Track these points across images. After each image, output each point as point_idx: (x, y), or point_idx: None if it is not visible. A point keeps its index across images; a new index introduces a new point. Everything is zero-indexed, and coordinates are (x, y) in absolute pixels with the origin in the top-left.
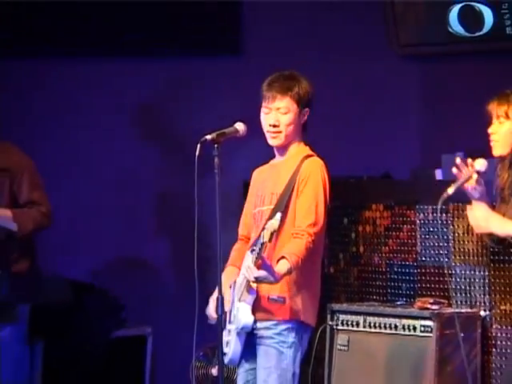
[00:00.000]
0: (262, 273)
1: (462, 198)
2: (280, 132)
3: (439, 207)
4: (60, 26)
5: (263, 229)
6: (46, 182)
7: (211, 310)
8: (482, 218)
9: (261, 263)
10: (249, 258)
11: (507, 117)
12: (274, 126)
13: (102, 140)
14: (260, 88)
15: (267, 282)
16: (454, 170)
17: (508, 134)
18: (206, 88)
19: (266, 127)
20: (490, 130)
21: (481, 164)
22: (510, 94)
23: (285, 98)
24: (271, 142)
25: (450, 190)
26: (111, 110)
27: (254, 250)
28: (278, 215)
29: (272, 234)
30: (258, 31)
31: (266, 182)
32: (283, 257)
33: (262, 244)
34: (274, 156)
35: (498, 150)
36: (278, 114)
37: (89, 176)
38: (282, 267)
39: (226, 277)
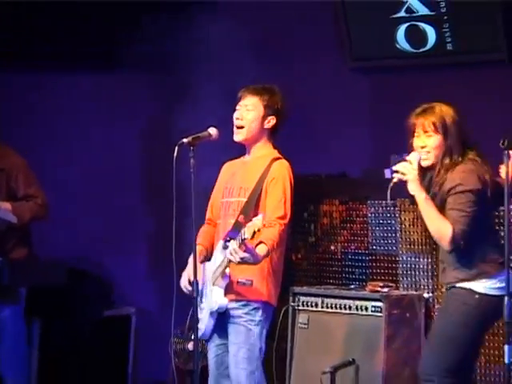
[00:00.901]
0: (246, 254)
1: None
2: (243, 127)
3: (389, 194)
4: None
5: (236, 224)
6: (39, 174)
7: (184, 282)
8: None
9: (246, 248)
10: (234, 243)
11: (436, 129)
12: (238, 118)
13: (89, 133)
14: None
15: (250, 263)
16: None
17: (438, 147)
18: None
19: (234, 123)
20: (419, 144)
21: (414, 156)
22: (435, 106)
23: (254, 98)
24: (235, 137)
25: (395, 179)
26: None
27: (228, 240)
28: (261, 216)
29: (255, 232)
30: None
31: (235, 175)
32: (261, 242)
33: (244, 239)
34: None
35: (428, 161)
36: (244, 110)
37: (79, 168)
38: (261, 250)
39: (199, 253)
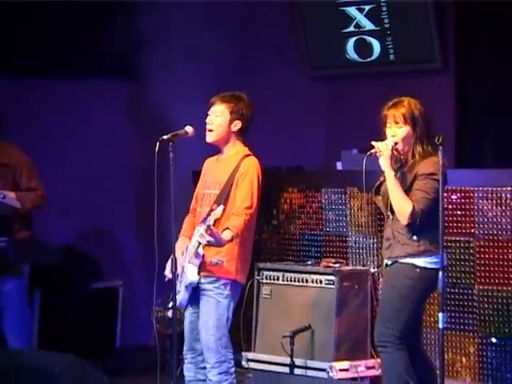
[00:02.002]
0: (211, 238)
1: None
2: (212, 130)
3: (364, 164)
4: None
5: (210, 213)
6: (38, 166)
7: (167, 272)
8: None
9: (211, 232)
10: (201, 228)
11: (405, 121)
12: (208, 123)
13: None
14: None
15: (215, 245)
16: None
17: (407, 136)
18: None
19: (206, 127)
20: (391, 133)
21: (389, 142)
22: (404, 100)
23: (221, 106)
24: (206, 138)
25: (372, 151)
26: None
27: (203, 224)
28: (221, 207)
29: (216, 220)
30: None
31: (211, 170)
32: (227, 228)
33: (208, 225)
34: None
35: (400, 146)
36: (214, 116)
37: (71, 161)
38: (226, 235)
39: (179, 245)
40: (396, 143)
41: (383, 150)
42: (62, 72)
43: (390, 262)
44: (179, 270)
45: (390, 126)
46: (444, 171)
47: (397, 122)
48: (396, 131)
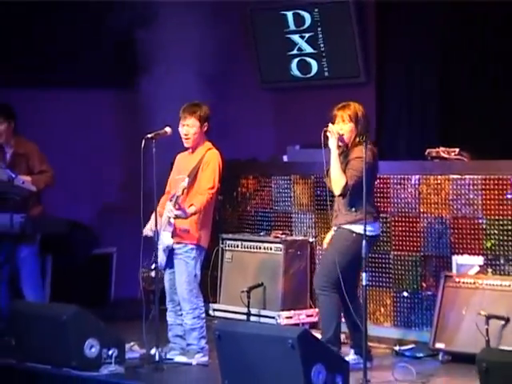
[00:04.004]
0: (178, 212)
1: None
2: (189, 138)
3: (323, 140)
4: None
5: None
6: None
7: (147, 230)
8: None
9: (178, 207)
10: (170, 204)
11: (350, 119)
12: (185, 135)
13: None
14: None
15: (182, 218)
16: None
17: (351, 131)
18: None
19: (182, 135)
20: (337, 128)
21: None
22: (351, 104)
23: (191, 118)
24: (185, 144)
25: (326, 130)
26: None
27: (172, 200)
28: (187, 179)
29: (183, 190)
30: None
31: (183, 162)
32: (192, 204)
33: (178, 196)
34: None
35: (345, 136)
36: (187, 128)
37: (72, 153)
38: (191, 209)
39: (158, 213)
40: (342, 134)
41: (334, 132)
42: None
43: (335, 228)
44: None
45: (338, 123)
46: (372, 160)
47: (343, 120)
48: (342, 127)
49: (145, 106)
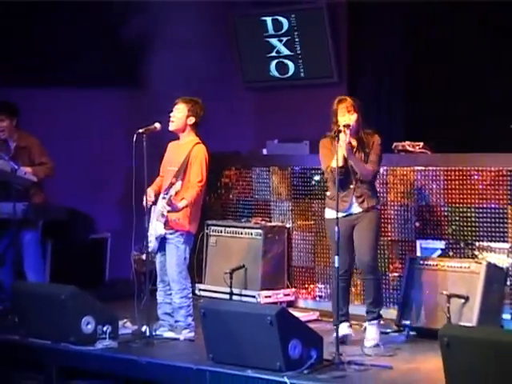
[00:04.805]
0: (170, 208)
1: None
2: (173, 122)
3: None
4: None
5: (171, 186)
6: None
7: (148, 199)
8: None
9: (170, 203)
10: (163, 200)
11: (354, 109)
12: (171, 116)
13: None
14: None
15: (173, 211)
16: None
17: (357, 120)
18: None
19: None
20: (346, 119)
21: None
22: (346, 97)
23: (181, 105)
24: (169, 127)
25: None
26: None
27: (165, 197)
28: (179, 183)
29: (176, 193)
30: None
31: (173, 151)
32: (183, 198)
33: (171, 195)
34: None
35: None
36: (175, 112)
37: (73, 149)
38: (182, 203)
39: (150, 191)
40: (349, 125)
41: (342, 143)
42: (62, 80)
43: (360, 210)
44: (150, 225)
45: (343, 115)
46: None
47: (349, 111)
48: (350, 117)
49: (143, 105)
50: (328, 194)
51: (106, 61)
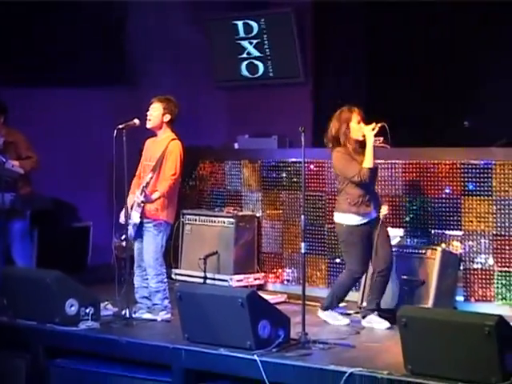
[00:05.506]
0: (144, 198)
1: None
2: (150, 120)
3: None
4: None
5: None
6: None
7: (121, 219)
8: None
9: (144, 194)
10: (138, 192)
11: (363, 121)
12: (148, 115)
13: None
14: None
15: (147, 202)
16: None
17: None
18: None
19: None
20: (370, 126)
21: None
22: (352, 106)
23: (157, 104)
24: (147, 125)
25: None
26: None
27: (140, 189)
28: (150, 174)
29: (148, 182)
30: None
31: (150, 148)
32: (156, 190)
33: (144, 187)
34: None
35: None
36: (152, 110)
37: (61, 145)
38: (155, 195)
39: (129, 200)
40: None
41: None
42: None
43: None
44: (129, 216)
45: (359, 122)
46: None
47: (363, 118)
48: (364, 128)
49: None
50: (348, 200)
51: (105, 61)
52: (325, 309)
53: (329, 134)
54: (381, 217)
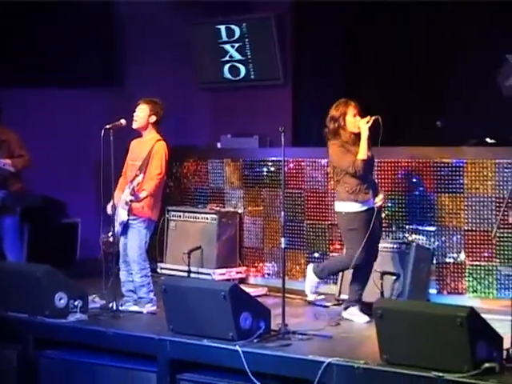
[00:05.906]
0: (132, 197)
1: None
2: (136, 120)
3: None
4: None
5: (134, 178)
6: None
7: (108, 210)
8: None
9: (133, 193)
10: (127, 190)
11: (359, 114)
12: (135, 116)
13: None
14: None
15: (135, 201)
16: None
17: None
18: None
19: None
20: (364, 120)
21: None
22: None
23: (144, 105)
24: (133, 125)
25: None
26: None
27: (129, 187)
28: (141, 176)
29: (138, 184)
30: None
31: (136, 148)
32: (144, 189)
33: (133, 187)
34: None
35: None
36: (138, 111)
37: (52, 144)
38: (142, 194)
39: (116, 195)
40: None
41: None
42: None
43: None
44: (116, 212)
45: (355, 115)
46: None
47: (359, 112)
48: (360, 120)
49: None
50: (346, 189)
51: (105, 61)
52: (315, 274)
53: (328, 127)
54: (375, 205)
